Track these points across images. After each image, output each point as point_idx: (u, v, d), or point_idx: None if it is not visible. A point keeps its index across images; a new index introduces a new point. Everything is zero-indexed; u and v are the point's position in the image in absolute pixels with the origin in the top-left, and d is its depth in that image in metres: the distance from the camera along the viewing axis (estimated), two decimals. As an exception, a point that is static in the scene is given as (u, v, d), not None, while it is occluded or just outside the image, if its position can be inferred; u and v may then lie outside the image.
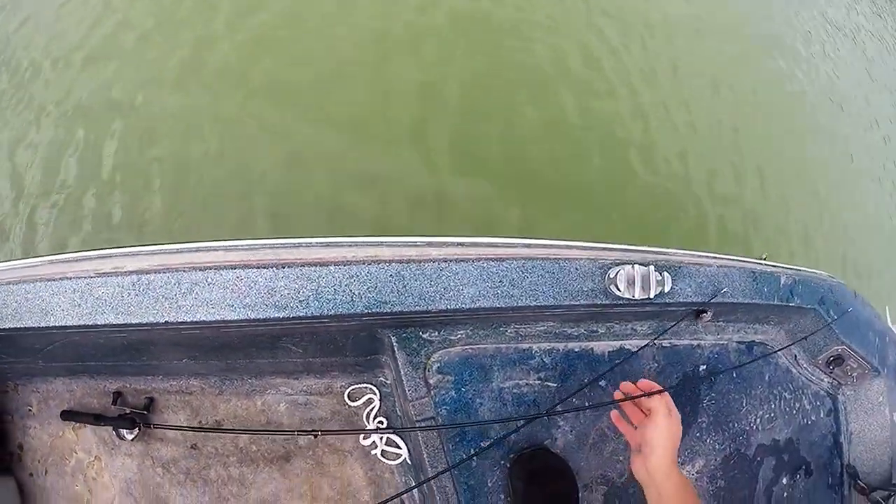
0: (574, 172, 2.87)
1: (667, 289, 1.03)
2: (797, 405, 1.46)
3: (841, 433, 1.55)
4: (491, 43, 3.09)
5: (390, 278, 0.90)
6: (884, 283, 3.70)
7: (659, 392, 0.84)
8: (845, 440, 1.56)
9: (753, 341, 1.39)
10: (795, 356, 1.46)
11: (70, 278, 0.90)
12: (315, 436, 0.92)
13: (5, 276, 0.92)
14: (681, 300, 1.08)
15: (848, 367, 1.51)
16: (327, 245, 0.93)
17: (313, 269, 0.89)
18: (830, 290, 1.41)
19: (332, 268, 0.89)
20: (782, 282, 1.28)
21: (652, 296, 1.01)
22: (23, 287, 0.90)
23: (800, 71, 4.34)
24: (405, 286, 0.90)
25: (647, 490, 0.80)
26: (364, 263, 0.90)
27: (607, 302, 0.99)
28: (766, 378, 1.40)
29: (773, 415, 1.40)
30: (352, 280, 0.89)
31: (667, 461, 0.79)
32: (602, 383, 1.15)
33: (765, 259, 1.36)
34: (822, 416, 1.52)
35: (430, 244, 0.94)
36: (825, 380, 1.53)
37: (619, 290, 0.98)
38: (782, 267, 1.34)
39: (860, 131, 4.44)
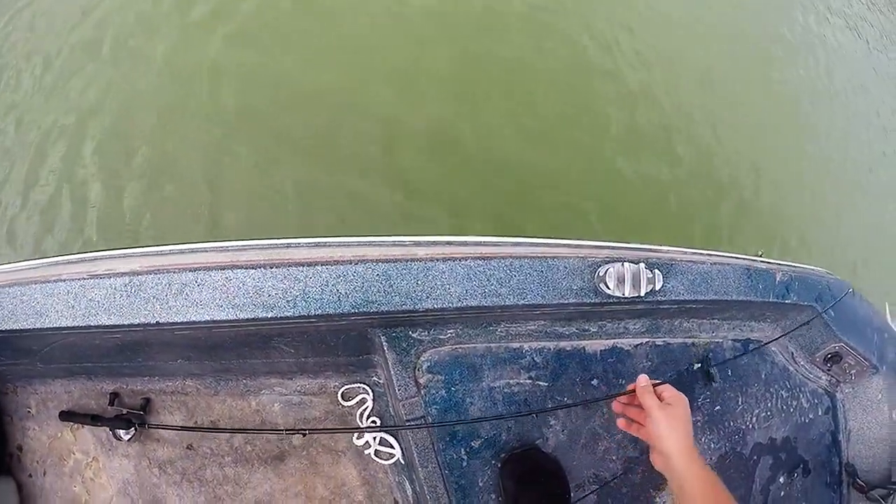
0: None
1: (658, 286, 1.02)
2: (794, 403, 1.45)
3: (839, 431, 1.54)
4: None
5: (377, 278, 0.90)
6: (877, 276, 3.68)
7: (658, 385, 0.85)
8: (844, 438, 1.55)
9: (749, 339, 1.38)
10: (792, 354, 1.46)
11: (64, 280, 0.91)
12: (304, 434, 0.92)
13: (0, 278, 0.93)
14: (673, 298, 1.08)
15: (846, 365, 1.50)
16: (315, 245, 0.94)
17: (300, 269, 0.90)
18: (828, 287, 1.40)
19: (319, 268, 0.90)
20: (778, 279, 1.27)
21: (642, 293, 1.00)
22: (17, 290, 0.91)
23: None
24: (392, 285, 0.90)
25: (671, 483, 0.81)
26: (351, 263, 0.90)
27: (597, 300, 0.99)
28: (763, 376, 1.39)
29: (769, 413, 1.39)
30: (338, 280, 0.90)
31: (677, 450, 0.78)
32: (594, 382, 1.15)
33: (761, 255, 1.35)
34: (820, 414, 1.51)
35: (416, 244, 0.94)
36: (823, 377, 1.52)
37: (608, 287, 0.98)
38: (778, 263, 1.33)
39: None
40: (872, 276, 3.64)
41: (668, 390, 0.85)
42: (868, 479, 1.56)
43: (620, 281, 0.98)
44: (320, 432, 1.11)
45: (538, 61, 3.05)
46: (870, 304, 1.59)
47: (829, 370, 1.51)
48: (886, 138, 4.51)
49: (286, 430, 0.98)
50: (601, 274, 0.99)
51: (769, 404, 1.39)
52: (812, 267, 1.43)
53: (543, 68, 3.04)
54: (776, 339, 1.38)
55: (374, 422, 1.21)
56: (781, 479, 1.41)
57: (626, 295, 0.98)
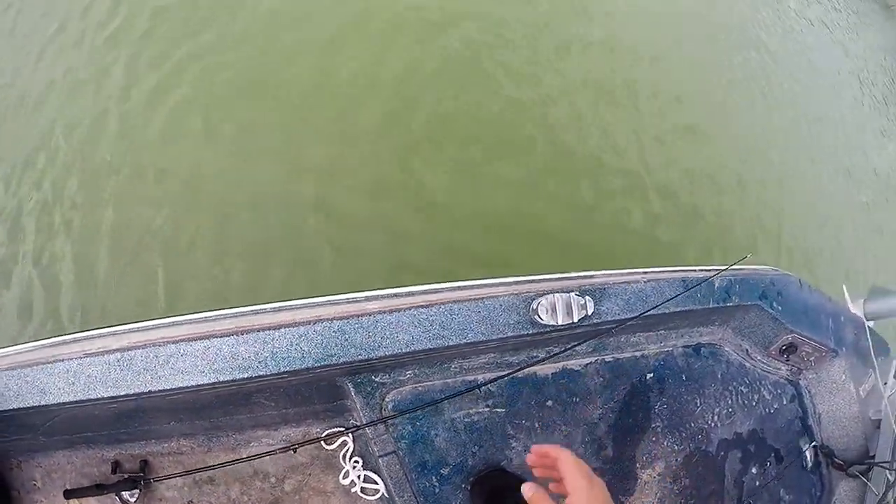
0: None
1: (590, 311, 1.12)
2: (755, 396, 1.52)
3: (808, 416, 1.61)
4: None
5: (334, 334, 1.02)
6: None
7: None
8: (814, 422, 1.62)
9: (700, 343, 1.47)
10: (747, 350, 1.53)
11: (63, 360, 1.03)
12: (294, 450, 1.07)
13: (3, 362, 1.06)
14: (609, 319, 1.17)
15: (803, 353, 1.58)
16: (279, 309, 1.05)
17: (267, 332, 1.02)
18: (772, 283, 1.48)
19: (283, 330, 1.02)
20: (717, 284, 1.35)
21: (576, 320, 1.10)
22: (21, 371, 1.04)
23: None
24: (347, 339, 1.02)
25: None
26: (310, 323, 1.02)
27: (535, 331, 1.09)
28: (719, 376, 1.47)
29: (731, 409, 1.46)
30: (301, 339, 1.01)
31: None
32: (549, 403, 1.24)
33: (697, 266, 1.43)
34: (785, 402, 1.58)
35: (367, 298, 1.05)
36: (783, 368, 1.59)
37: (542, 318, 1.08)
38: (717, 269, 1.41)
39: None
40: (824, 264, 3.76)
41: (569, 477, 0.61)
42: (846, 457, 1.62)
43: (553, 311, 1.08)
44: (309, 443, 1.22)
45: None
46: (821, 292, 1.66)
47: (787, 360, 1.58)
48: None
49: (279, 449, 1.10)
50: (534, 307, 1.09)
51: (729, 401, 1.47)
52: (755, 266, 1.51)
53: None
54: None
55: (356, 461, 1.30)
56: (754, 470, 1.48)
57: (560, 323, 1.08)
